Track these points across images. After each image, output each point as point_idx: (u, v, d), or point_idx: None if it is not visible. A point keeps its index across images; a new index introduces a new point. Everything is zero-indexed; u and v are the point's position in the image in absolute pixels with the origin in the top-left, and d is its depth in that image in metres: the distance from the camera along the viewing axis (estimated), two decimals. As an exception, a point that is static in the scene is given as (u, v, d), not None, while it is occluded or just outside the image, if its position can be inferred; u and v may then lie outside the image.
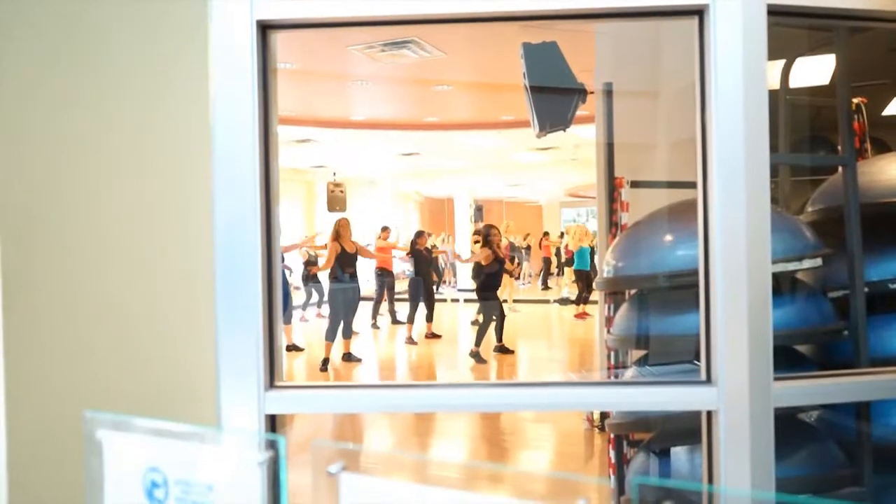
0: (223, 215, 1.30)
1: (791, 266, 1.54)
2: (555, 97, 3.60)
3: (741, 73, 1.28)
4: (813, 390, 1.34)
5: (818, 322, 1.66)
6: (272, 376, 1.36)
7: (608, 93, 2.80)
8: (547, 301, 14.16)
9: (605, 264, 1.90)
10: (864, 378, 1.39)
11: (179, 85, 1.37)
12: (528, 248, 18.70)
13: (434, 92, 7.95)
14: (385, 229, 10.20)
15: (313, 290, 10.36)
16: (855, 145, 2.30)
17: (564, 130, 3.83)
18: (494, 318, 8.01)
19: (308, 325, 10.51)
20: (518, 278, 15.76)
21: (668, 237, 1.71)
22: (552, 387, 1.41)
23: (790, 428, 1.71)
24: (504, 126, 9.83)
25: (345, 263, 7.62)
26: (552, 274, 17.28)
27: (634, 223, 2.06)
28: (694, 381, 1.35)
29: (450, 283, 16.82)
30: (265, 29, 1.36)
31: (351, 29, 1.47)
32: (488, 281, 8.12)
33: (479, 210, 17.86)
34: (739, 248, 1.27)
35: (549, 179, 16.90)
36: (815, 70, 2.71)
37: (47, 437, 1.38)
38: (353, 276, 7.77)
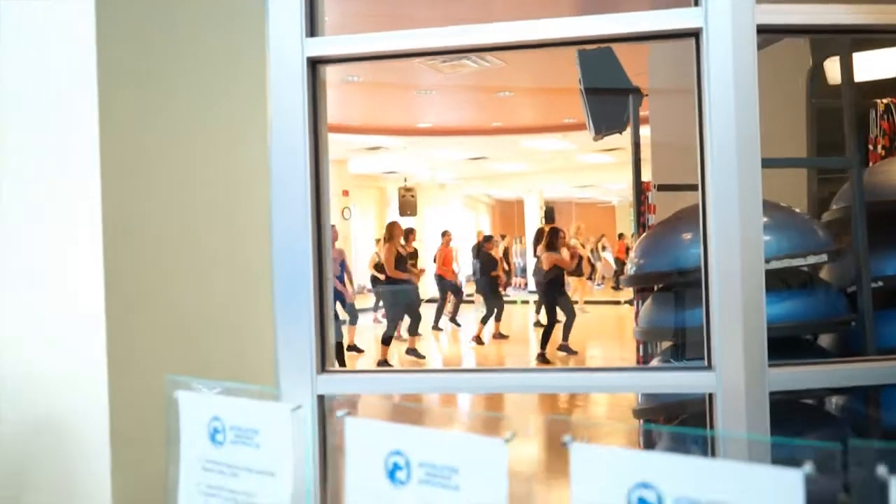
0: (280, 226, 1.53)
1: (796, 262, 1.64)
2: (609, 100, 3.70)
3: (732, 87, 1.41)
4: (806, 376, 1.45)
5: (830, 313, 1.75)
6: (323, 362, 1.58)
7: (638, 95, 2.91)
8: (618, 302, 14.03)
9: (629, 262, 2.04)
10: (856, 365, 1.48)
11: (242, 114, 1.62)
12: (604, 248, 18.49)
13: (497, 98, 8.14)
14: (445, 234, 10.07)
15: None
16: (886, 145, 2.34)
17: (620, 133, 3.91)
18: (558, 320, 8.12)
19: (380, 327, 10.77)
20: (591, 279, 15.62)
21: (684, 236, 1.83)
22: (573, 372, 1.58)
23: (801, 413, 1.80)
24: (567, 129, 9.89)
25: (396, 265, 7.73)
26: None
27: (658, 223, 2.18)
28: (696, 367, 1.48)
29: (519, 285, 16.87)
30: (315, 64, 1.59)
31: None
32: (548, 284, 8.25)
33: (550, 211, 17.76)
34: (733, 245, 1.40)
35: (619, 180, 16.71)
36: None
37: (140, 397, 1.66)
38: (406, 279, 7.83)
